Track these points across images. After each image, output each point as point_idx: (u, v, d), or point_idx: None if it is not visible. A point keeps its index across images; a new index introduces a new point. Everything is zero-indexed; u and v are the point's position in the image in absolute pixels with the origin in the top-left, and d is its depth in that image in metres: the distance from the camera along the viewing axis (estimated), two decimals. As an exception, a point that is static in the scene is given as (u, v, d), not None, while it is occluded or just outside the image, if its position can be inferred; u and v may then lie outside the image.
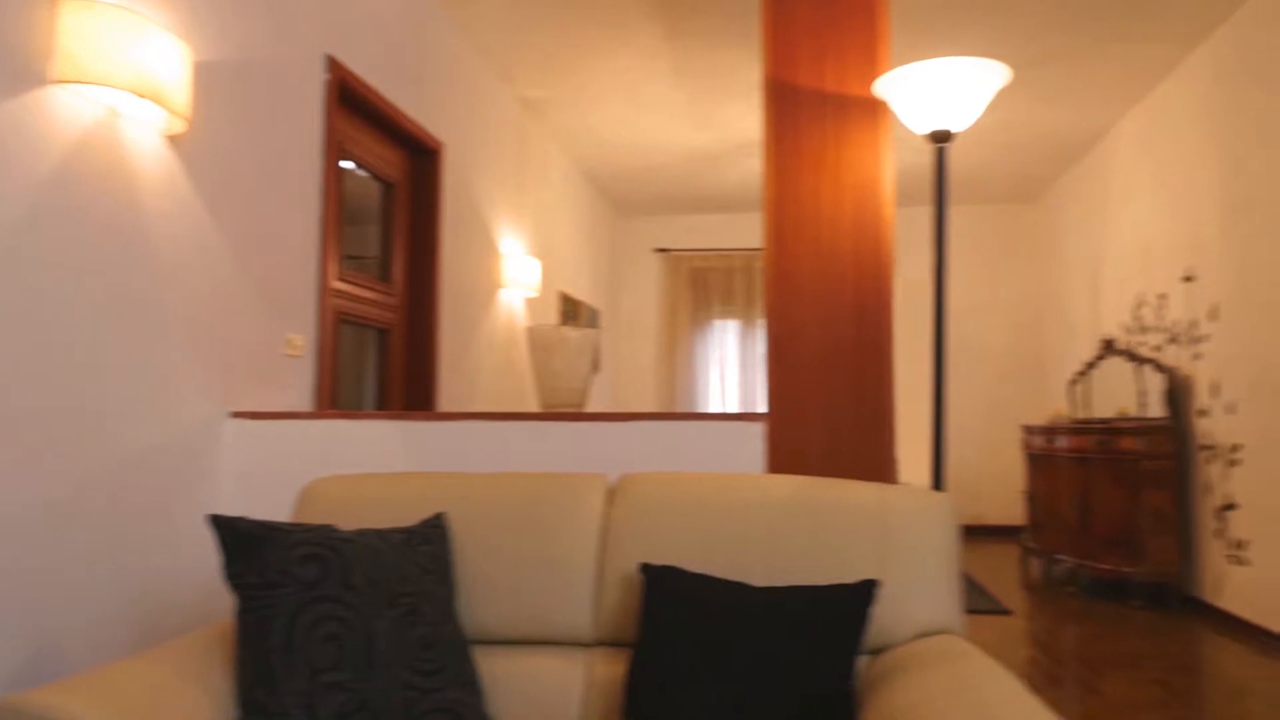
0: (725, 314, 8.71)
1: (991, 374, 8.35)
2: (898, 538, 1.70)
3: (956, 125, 2.21)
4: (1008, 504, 8.11)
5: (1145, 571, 5.08)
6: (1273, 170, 4.20)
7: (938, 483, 2.30)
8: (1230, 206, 4.63)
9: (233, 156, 2.78)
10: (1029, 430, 6.49)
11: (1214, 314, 4.82)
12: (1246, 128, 4.46)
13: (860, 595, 1.58)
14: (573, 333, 2.58)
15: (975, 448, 8.23)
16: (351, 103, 3.64)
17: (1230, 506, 4.66)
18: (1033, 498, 6.40)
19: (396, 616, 1.58)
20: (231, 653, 1.60)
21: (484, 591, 1.77)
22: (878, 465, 2.33)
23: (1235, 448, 4.60)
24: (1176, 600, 5.10)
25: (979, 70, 2.05)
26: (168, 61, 2.27)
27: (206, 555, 2.66)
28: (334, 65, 3.38)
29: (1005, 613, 5.00)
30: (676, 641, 1.56)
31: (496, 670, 1.74)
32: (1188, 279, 5.13)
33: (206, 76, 2.66)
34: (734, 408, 8.60)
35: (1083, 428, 5.66)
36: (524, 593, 1.77)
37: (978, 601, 5.21)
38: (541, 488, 1.87)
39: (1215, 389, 4.81)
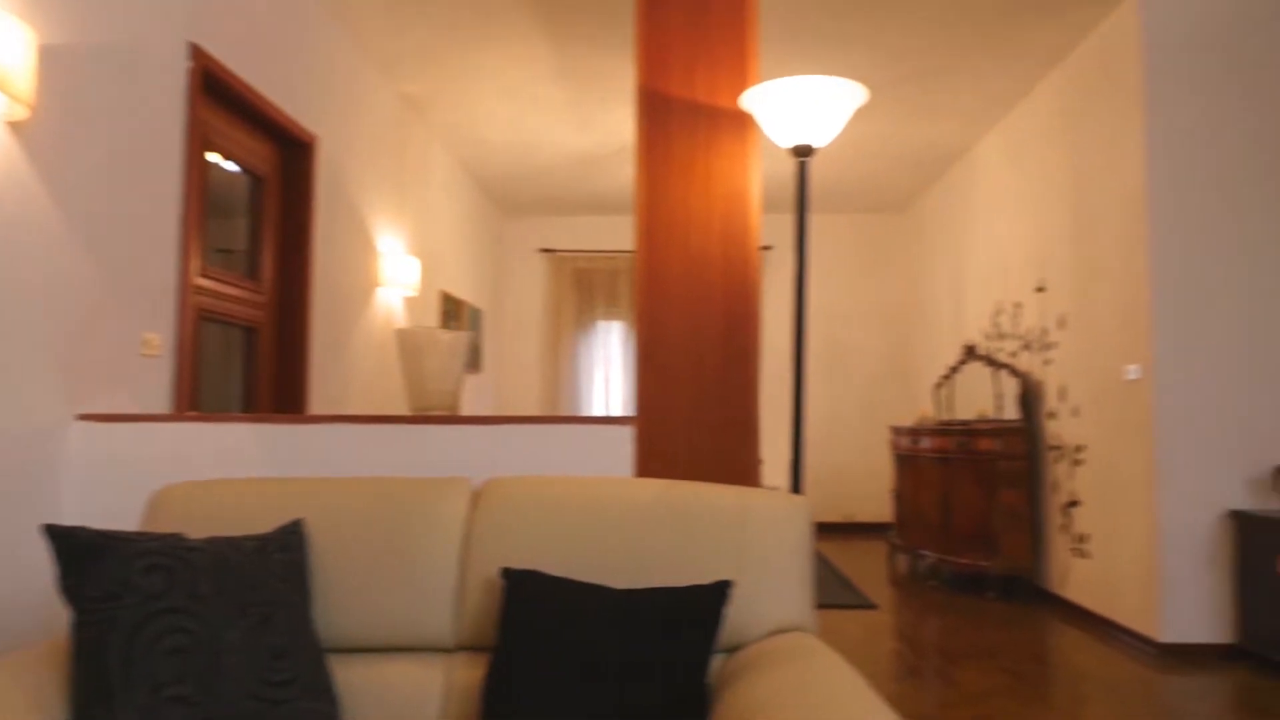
0: (609, 315, 8.76)
1: (864, 377, 8.66)
2: (754, 539, 1.76)
3: (817, 140, 2.29)
4: (878, 503, 8.43)
5: (1000, 565, 5.38)
6: (1113, 194, 4.51)
7: (796, 485, 2.38)
8: (1077, 224, 4.95)
9: (83, 146, 2.64)
10: (896, 431, 6.77)
11: (1062, 323, 5.14)
12: (1092, 152, 4.77)
13: (715, 596, 1.62)
14: (444, 334, 2.56)
15: (848, 449, 8.52)
16: (217, 93, 3.51)
17: (1074, 503, 4.98)
18: (899, 496, 6.68)
19: (247, 626, 1.53)
20: (67, 670, 1.53)
21: (342, 599, 1.74)
22: (742, 468, 2.39)
23: (1079, 448, 4.92)
24: (1028, 592, 5.41)
25: (838, 89, 2.14)
26: (6, 44, 2.14)
27: (47, 567, 2.52)
28: (198, 53, 3.25)
29: (872, 607, 5.20)
30: (535, 644, 1.57)
31: (354, 678, 1.72)
32: (1040, 290, 5.45)
33: (54, 61, 2.52)
34: (618, 409, 8.66)
35: (945, 429, 5.94)
36: (384, 599, 1.75)
37: (847, 597, 5.40)
38: (404, 492, 1.85)
39: (1063, 393, 5.13)
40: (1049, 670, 3.99)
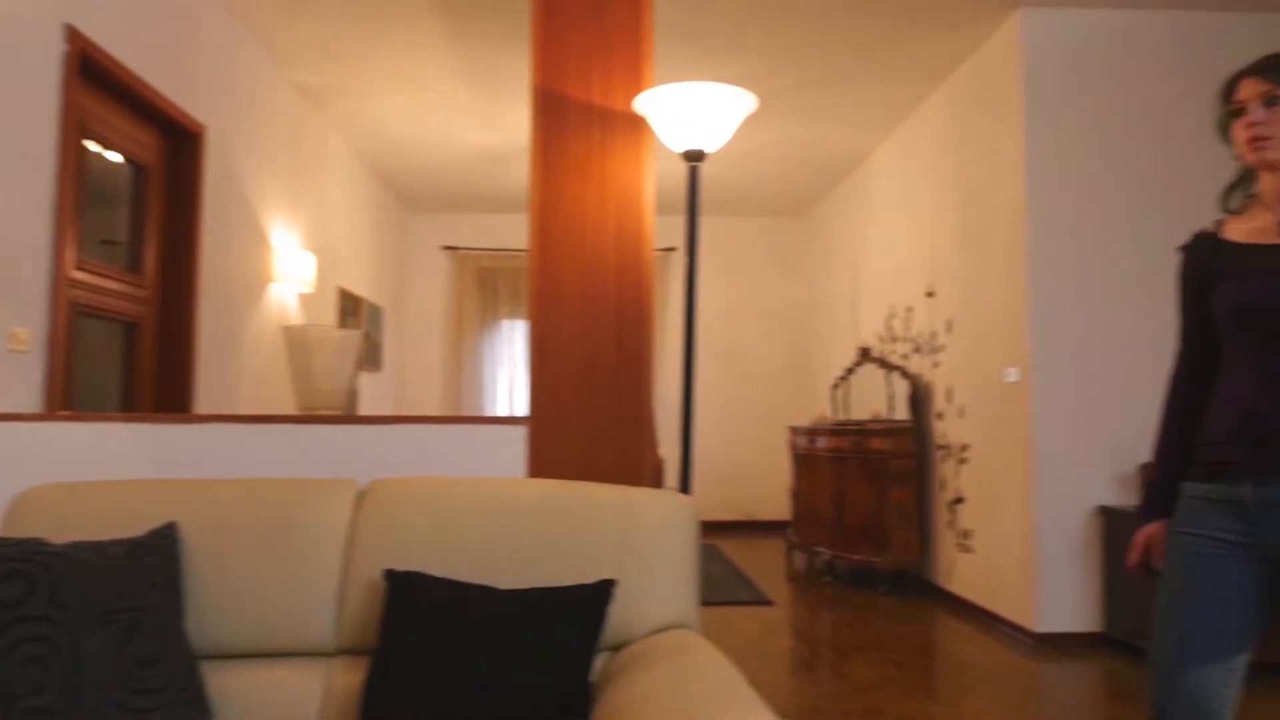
0: (514, 314, 8.71)
1: (765, 378, 8.83)
2: (639, 538, 1.79)
3: (709, 146, 2.34)
4: (777, 501, 8.60)
5: (890, 561, 5.56)
6: (997, 205, 4.72)
7: (685, 485, 2.43)
8: (964, 233, 5.15)
9: (-57, 129, 2.50)
10: (794, 431, 6.93)
11: (949, 327, 5.35)
12: (977, 164, 4.98)
13: (598, 595, 1.64)
14: (335, 332, 2.51)
15: (748, 448, 8.67)
16: (97, 78, 3.36)
17: (959, 500, 5.18)
18: (797, 494, 6.83)
19: (111, 634, 1.48)
20: (-87, 683, 1.45)
21: (218, 603, 1.70)
22: (634, 467, 2.42)
23: (964, 447, 5.12)
24: (916, 586, 5.61)
25: (728, 96, 2.19)
26: None
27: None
28: (74, 35, 3.10)
29: (768, 604, 5.31)
30: (417, 647, 1.56)
31: (230, 686, 1.68)
32: (929, 294, 5.66)
33: (-90, 38, 2.38)
34: (522, 409, 8.61)
35: (840, 429, 6.11)
36: (262, 603, 1.71)
37: (745, 594, 5.50)
38: (285, 494, 1.81)
39: (949, 394, 5.34)
40: (933, 661, 4.15)
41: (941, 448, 5.45)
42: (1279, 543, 1.59)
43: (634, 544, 1.77)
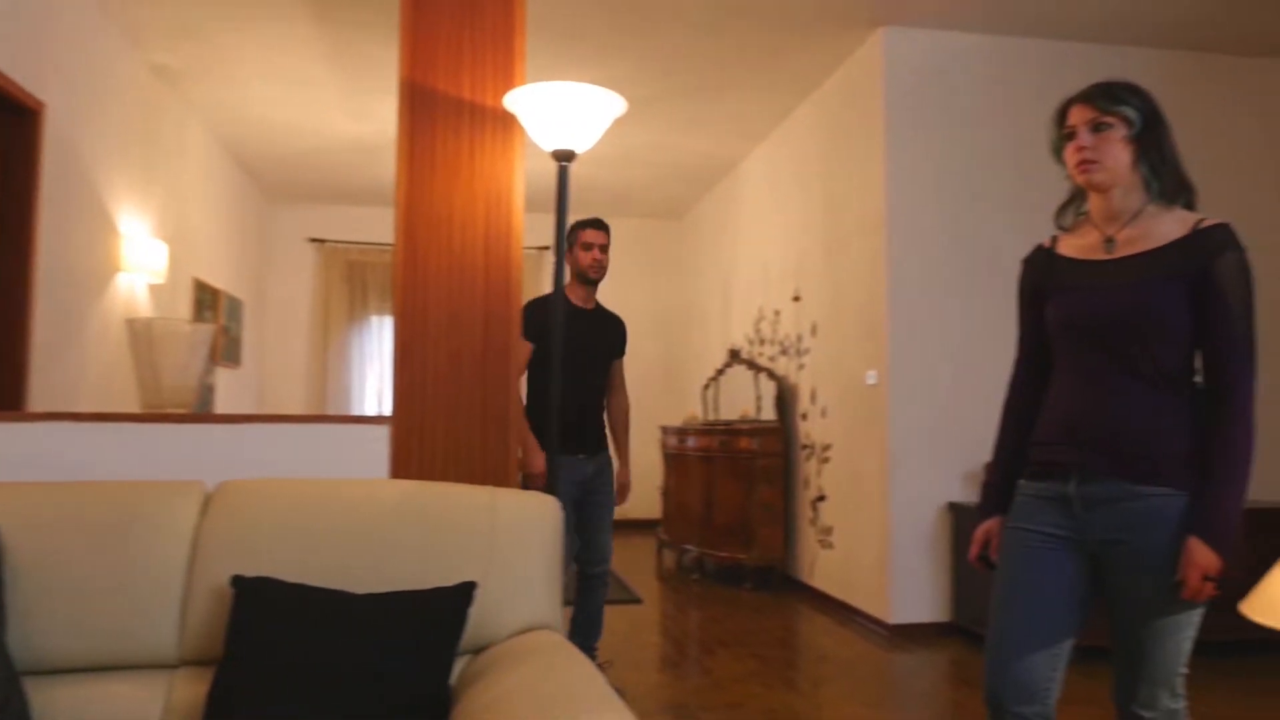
0: (384, 310, 8.48)
1: (638, 378, 8.86)
2: (502, 539, 1.77)
3: (579, 146, 2.34)
4: (649, 500, 8.68)
5: (755, 558, 5.71)
6: (859, 213, 4.91)
7: (551, 486, 2.42)
8: (829, 240, 5.34)
9: None
10: (665, 431, 7.02)
11: (814, 330, 5.53)
12: (842, 174, 5.17)
13: (459, 597, 1.62)
14: (185, 325, 2.39)
15: (622, 447, 8.72)
16: (-84, 45, 3.09)
17: (821, 498, 5.37)
18: (667, 493, 6.93)
19: (-79, 651, 1.37)
20: None
21: (46, 615, 1.59)
22: (500, 469, 2.40)
23: (826, 447, 5.31)
24: (781, 582, 5.77)
25: (598, 98, 2.20)
26: None
27: None
28: (-110, -2, 2.84)
29: (637, 602, 5.36)
30: (265, 655, 1.50)
31: (60, 702, 1.57)
32: (796, 299, 5.84)
33: None
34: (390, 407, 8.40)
35: (710, 429, 6.23)
36: (97, 614, 1.61)
37: (615, 592, 5.53)
38: (124, 497, 1.71)
39: (814, 395, 5.52)
40: (794, 654, 4.29)
41: (805, 447, 5.63)
42: (1101, 536, 1.72)
43: (498, 545, 1.76)
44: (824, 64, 5.12)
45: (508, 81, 2.50)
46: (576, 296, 3.48)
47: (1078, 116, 1.78)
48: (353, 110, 5.93)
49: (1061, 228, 1.92)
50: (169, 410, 2.47)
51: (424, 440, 2.37)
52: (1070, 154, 1.79)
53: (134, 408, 5.08)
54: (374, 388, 8.45)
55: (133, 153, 4.95)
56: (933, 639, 4.45)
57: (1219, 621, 1.76)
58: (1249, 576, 1.54)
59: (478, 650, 1.72)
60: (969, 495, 4.53)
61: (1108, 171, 1.74)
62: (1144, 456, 1.67)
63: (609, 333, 3.61)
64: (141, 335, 2.35)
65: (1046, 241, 1.93)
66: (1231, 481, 1.62)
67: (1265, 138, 4.97)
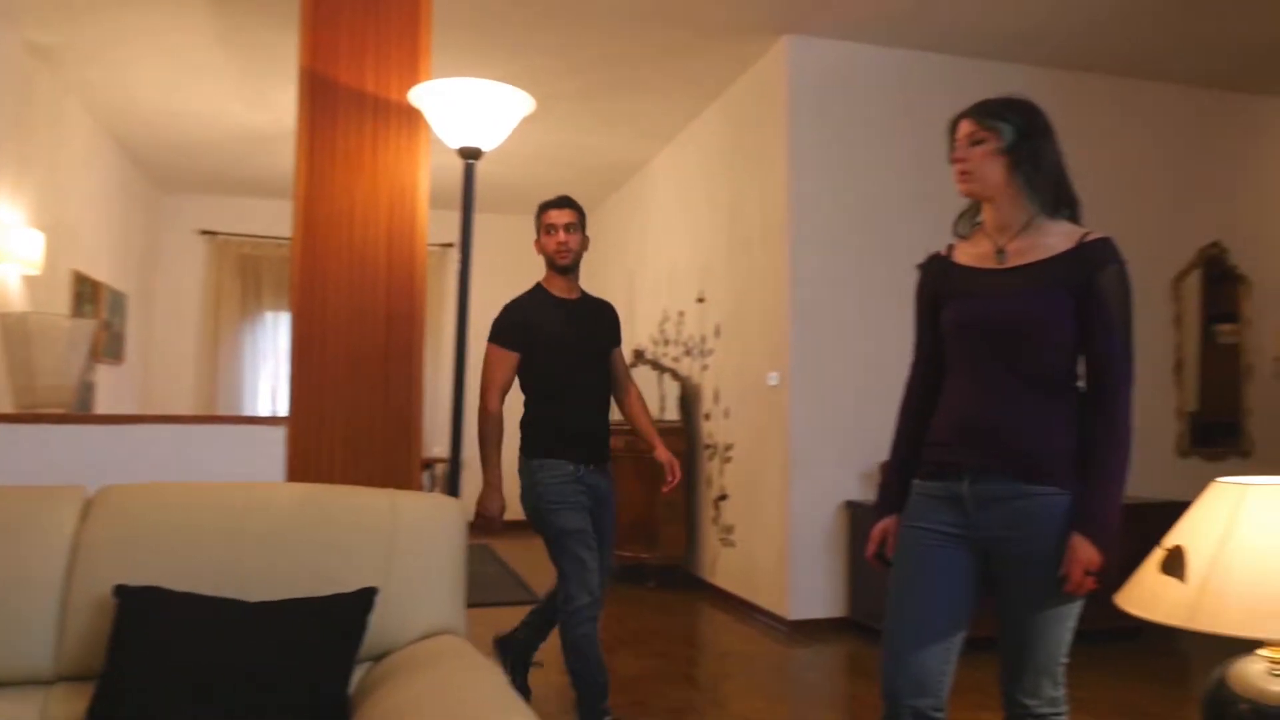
0: (279, 306, 8.21)
1: (543, 377, 8.84)
2: (404, 543, 1.74)
3: (485, 144, 2.31)
4: (553, 499, 8.65)
5: (659, 556, 5.75)
6: (763, 216, 4.99)
7: (454, 487, 2.39)
8: (733, 242, 5.42)
9: None
10: (571, 431, 6.99)
11: (718, 332, 5.60)
12: (747, 178, 5.25)
13: (358, 603, 1.58)
14: (63, 320, 2.27)
15: (526, 447, 8.65)
16: None
17: (723, 497, 5.44)
18: (572, 493, 6.89)
19: None
20: None
21: (-95, 631, 1.48)
22: (403, 472, 2.35)
23: (729, 446, 5.38)
24: (683, 580, 5.83)
25: (505, 95, 2.18)
26: None
27: None
28: None
29: (539, 602, 5.32)
30: (149, 667, 1.43)
31: (-80, 723, 1.47)
32: (700, 300, 5.90)
33: None
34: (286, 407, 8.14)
35: (615, 429, 6.22)
36: (-37, 628, 1.51)
37: (518, 594, 5.50)
38: (-5, 504, 1.61)
39: (717, 396, 5.59)
40: (696, 651, 4.33)
41: (708, 447, 5.70)
42: (990, 534, 1.79)
43: (399, 550, 1.72)
44: (730, 69, 5.18)
45: (413, 76, 2.45)
46: (556, 288, 3.15)
47: (961, 131, 1.87)
48: (248, 98, 5.71)
49: (959, 235, 1.99)
50: (45, 410, 2.34)
51: (322, 442, 2.31)
52: (953, 165, 1.88)
53: (6, 408, 4.79)
54: (268, 387, 8.17)
55: (5, 135, 4.66)
56: (830, 634, 4.56)
57: (1097, 612, 1.85)
58: (1122, 573, 1.63)
59: (378, 657, 1.68)
60: (866, 494, 4.66)
61: (979, 182, 1.84)
62: (1033, 456, 1.75)
63: (601, 323, 3.24)
64: (15, 330, 2.21)
65: (943, 250, 2.00)
66: (1112, 480, 1.71)
67: (1156, 155, 5.28)
